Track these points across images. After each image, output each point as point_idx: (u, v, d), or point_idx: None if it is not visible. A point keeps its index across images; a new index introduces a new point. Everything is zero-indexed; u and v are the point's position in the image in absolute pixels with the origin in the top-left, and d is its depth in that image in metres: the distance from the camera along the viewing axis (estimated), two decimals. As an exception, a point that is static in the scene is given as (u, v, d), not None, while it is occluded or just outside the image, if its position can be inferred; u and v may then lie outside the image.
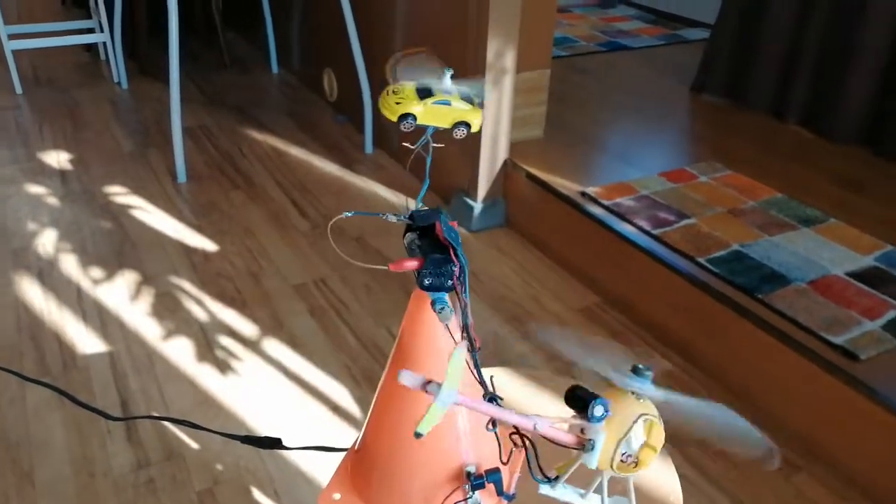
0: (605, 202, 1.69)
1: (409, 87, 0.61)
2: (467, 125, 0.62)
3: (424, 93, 0.61)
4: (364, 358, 1.46)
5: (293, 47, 2.96)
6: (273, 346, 1.49)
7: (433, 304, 0.51)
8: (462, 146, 1.94)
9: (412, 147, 0.63)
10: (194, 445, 1.24)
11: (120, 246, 1.81)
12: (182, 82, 2.11)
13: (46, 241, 1.82)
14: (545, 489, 0.53)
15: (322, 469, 1.21)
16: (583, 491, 0.54)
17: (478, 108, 0.62)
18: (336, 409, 1.34)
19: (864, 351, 1.24)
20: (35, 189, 2.07)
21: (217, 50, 3.15)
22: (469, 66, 1.83)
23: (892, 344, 1.27)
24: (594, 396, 0.46)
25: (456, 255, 0.51)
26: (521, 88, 1.90)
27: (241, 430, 1.28)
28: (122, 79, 2.83)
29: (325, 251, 1.82)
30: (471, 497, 0.55)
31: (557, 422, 0.48)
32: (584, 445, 0.48)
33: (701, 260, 1.48)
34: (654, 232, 1.58)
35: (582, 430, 0.48)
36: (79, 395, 1.34)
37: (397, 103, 0.61)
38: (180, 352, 1.46)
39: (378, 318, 1.58)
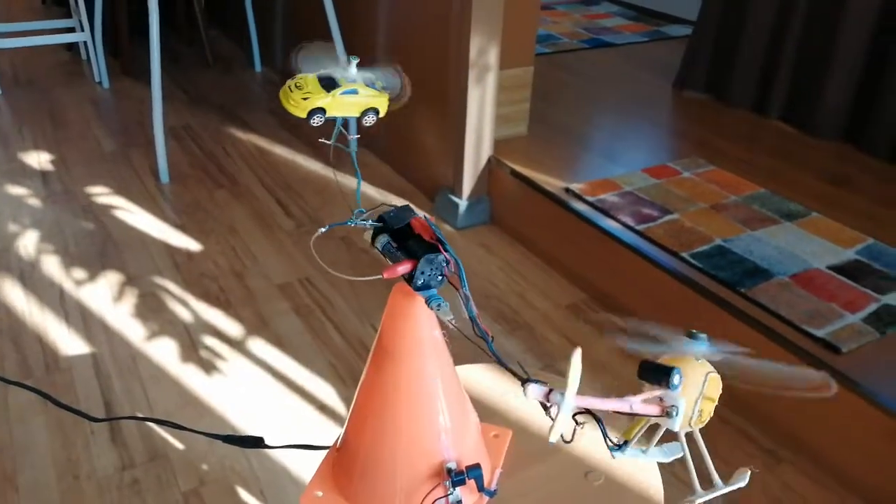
0: (590, 198, 1.70)
1: (311, 78, 0.59)
2: (376, 111, 0.61)
3: (328, 83, 0.59)
4: (350, 356, 1.46)
5: (276, 45, 2.94)
6: (258, 346, 1.48)
7: (428, 302, 0.51)
8: (446, 143, 1.94)
9: (328, 143, 0.60)
10: (179, 446, 1.24)
11: (102, 246, 1.80)
12: (164, 82, 2.09)
13: (28, 242, 1.81)
14: (618, 455, 0.55)
15: (307, 468, 1.21)
16: (644, 448, 0.56)
17: (384, 93, 0.60)
18: (322, 407, 1.34)
19: (845, 343, 1.25)
20: (16, 190, 2.05)
21: (200, 49, 3.13)
22: (452, 64, 1.83)
23: (873, 337, 1.28)
24: (668, 368, 0.50)
25: (446, 250, 0.51)
26: (505, 86, 1.91)
27: (226, 430, 1.28)
28: (104, 78, 2.81)
29: (310, 250, 1.82)
30: (452, 493, 0.55)
31: (644, 398, 0.51)
32: (669, 412, 0.51)
33: (684, 255, 1.49)
34: (638, 228, 1.59)
35: (661, 399, 0.51)
36: (62, 397, 1.33)
37: (304, 98, 0.58)
38: (164, 352, 1.45)
39: (363, 315, 1.58)
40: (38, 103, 2.64)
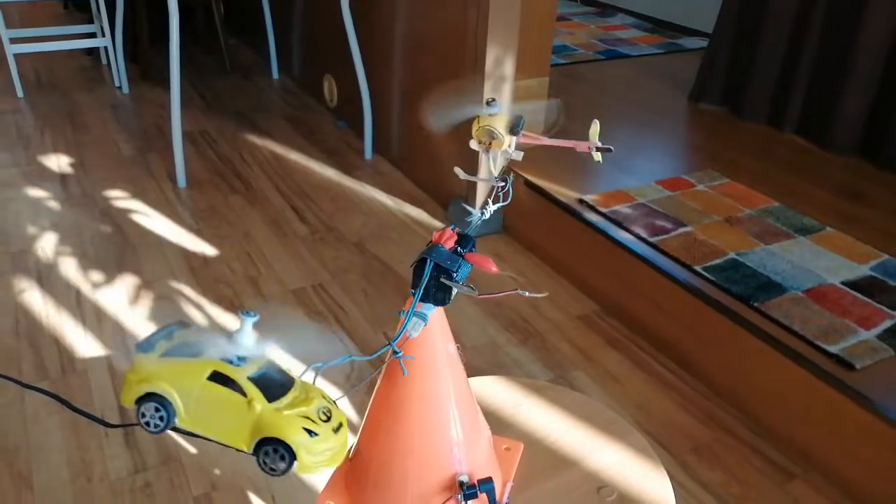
0: (603, 210, 1.70)
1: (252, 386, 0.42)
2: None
3: (271, 385, 0.41)
4: (362, 364, 1.47)
5: (294, 53, 2.97)
6: (271, 352, 1.49)
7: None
8: (461, 153, 1.95)
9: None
10: (192, 450, 1.25)
11: (119, 250, 1.82)
12: (183, 87, 2.12)
13: (46, 244, 1.83)
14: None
15: (319, 476, 1.21)
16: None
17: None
18: (333, 414, 1.34)
19: (859, 360, 1.25)
20: (35, 193, 2.08)
21: (218, 56, 3.16)
22: (468, 74, 1.84)
23: (887, 353, 1.27)
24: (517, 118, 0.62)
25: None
26: (520, 96, 1.91)
27: (238, 435, 1.29)
28: (124, 83, 2.84)
29: (324, 256, 1.83)
30: (464, 506, 0.56)
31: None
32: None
33: (697, 268, 1.49)
34: (651, 240, 1.59)
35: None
36: (77, 399, 1.34)
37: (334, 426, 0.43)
38: (178, 357, 1.46)
39: (376, 323, 1.58)
40: (59, 107, 2.67)
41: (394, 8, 2.13)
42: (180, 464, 1.22)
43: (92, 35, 2.99)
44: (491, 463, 0.62)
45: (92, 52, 3.21)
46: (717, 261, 1.52)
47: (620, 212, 1.69)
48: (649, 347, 1.55)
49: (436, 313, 0.55)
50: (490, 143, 0.63)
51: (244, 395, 0.40)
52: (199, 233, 1.91)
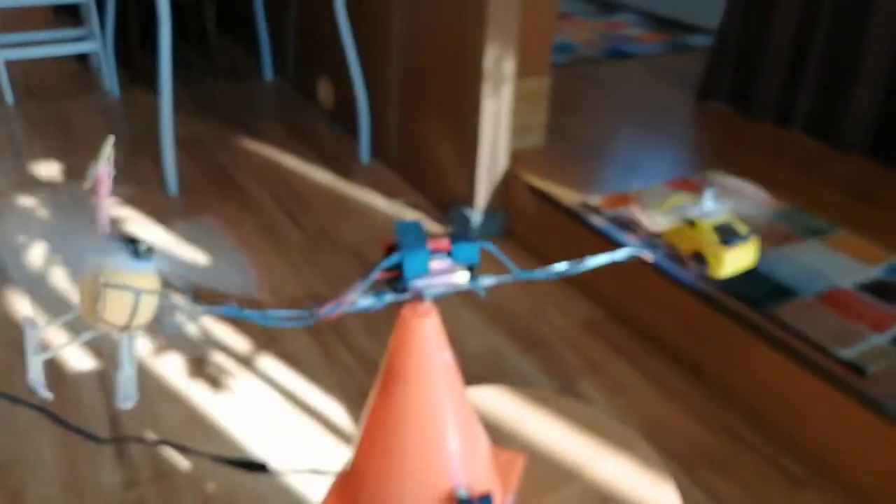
0: (607, 213, 1.66)
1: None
2: None
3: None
4: (359, 374, 1.43)
5: (288, 55, 2.93)
6: (266, 363, 1.45)
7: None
8: (461, 155, 1.91)
9: None
10: (185, 464, 1.21)
11: (111, 258, 1.78)
12: (174, 91, 2.08)
13: (36, 253, 1.79)
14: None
15: (315, 489, 1.18)
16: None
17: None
18: (331, 426, 1.31)
19: (871, 365, 1.21)
20: (25, 201, 2.04)
21: (210, 58, 3.12)
22: (467, 74, 1.80)
23: (902, 358, 1.24)
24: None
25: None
26: (521, 96, 1.87)
27: (232, 449, 1.25)
28: (115, 88, 2.81)
29: (320, 264, 1.79)
30: (466, 529, 0.52)
31: None
32: None
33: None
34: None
35: None
36: (68, 413, 1.31)
37: None
38: (172, 368, 1.43)
39: (373, 333, 1.55)
40: (50, 113, 2.63)
41: (390, 7, 2.09)
42: (174, 479, 1.18)
43: (82, 40, 2.95)
44: (490, 476, 0.59)
45: (82, 58, 3.17)
46: (726, 263, 1.48)
47: (625, 215, 1.66)
48: (658, 354, 1.51)
49: (430, 322, 0.52)
50: (96, 313, 0.44)
51: None
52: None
